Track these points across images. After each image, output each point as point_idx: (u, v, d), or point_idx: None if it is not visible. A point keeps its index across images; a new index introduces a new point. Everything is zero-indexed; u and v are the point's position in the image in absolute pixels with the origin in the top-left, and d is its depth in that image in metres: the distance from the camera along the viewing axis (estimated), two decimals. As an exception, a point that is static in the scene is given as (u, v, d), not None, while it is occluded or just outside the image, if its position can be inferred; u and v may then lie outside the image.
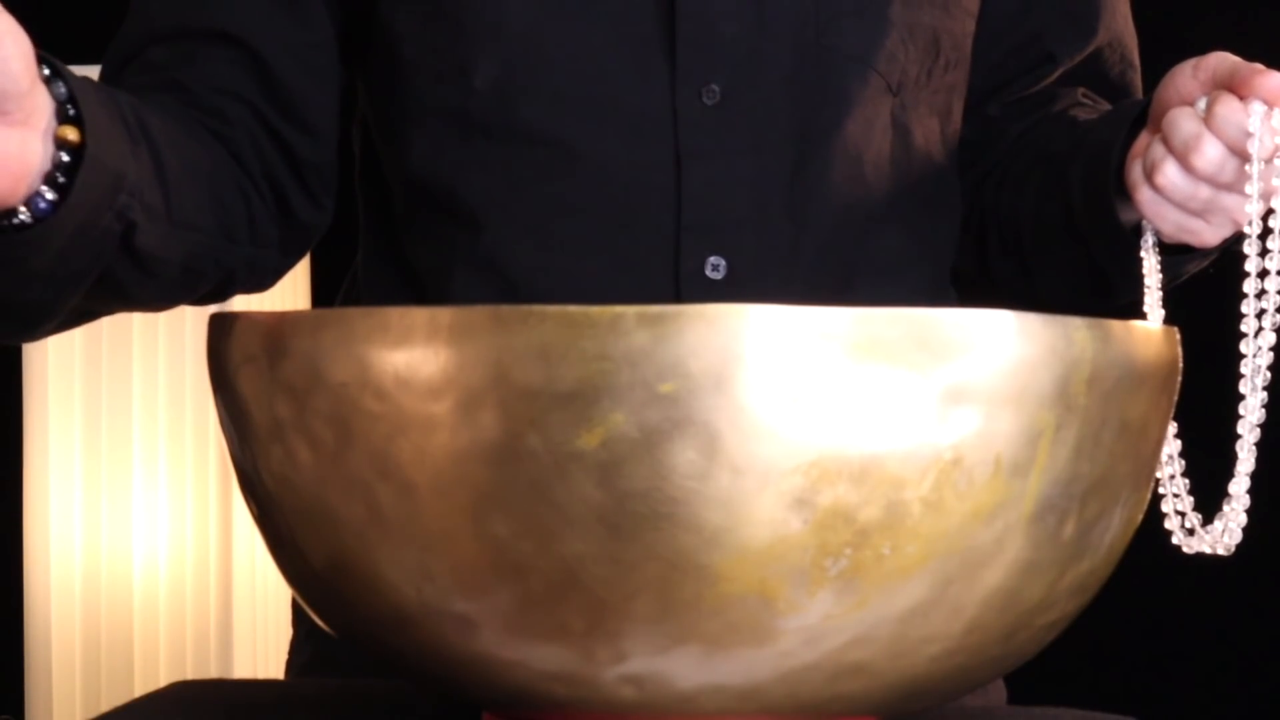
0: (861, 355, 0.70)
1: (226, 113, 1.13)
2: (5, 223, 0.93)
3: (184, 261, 1.07)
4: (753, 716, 0.76)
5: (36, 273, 0.96)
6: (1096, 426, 0.75)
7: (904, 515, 0.72)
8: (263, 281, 1.18)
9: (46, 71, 0.93)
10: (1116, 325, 0.76)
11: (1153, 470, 0.81)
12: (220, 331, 0.80)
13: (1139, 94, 1.26)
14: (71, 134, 0.94)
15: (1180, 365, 0.82)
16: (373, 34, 1.17)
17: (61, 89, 0.94)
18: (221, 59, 1.14)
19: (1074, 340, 0.74)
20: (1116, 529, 0.79)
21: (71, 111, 0.94)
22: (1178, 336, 0.81)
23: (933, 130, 1.20)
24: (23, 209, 0.93)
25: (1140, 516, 0.82)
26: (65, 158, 0.93)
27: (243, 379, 0.78)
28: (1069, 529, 0.76)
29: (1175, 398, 0.82)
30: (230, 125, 1.13)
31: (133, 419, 2.56)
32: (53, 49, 0.94)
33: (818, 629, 0.73)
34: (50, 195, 0.93)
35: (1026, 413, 0.73)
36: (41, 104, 0.91)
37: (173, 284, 1.08)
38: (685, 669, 0.73)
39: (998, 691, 1.22)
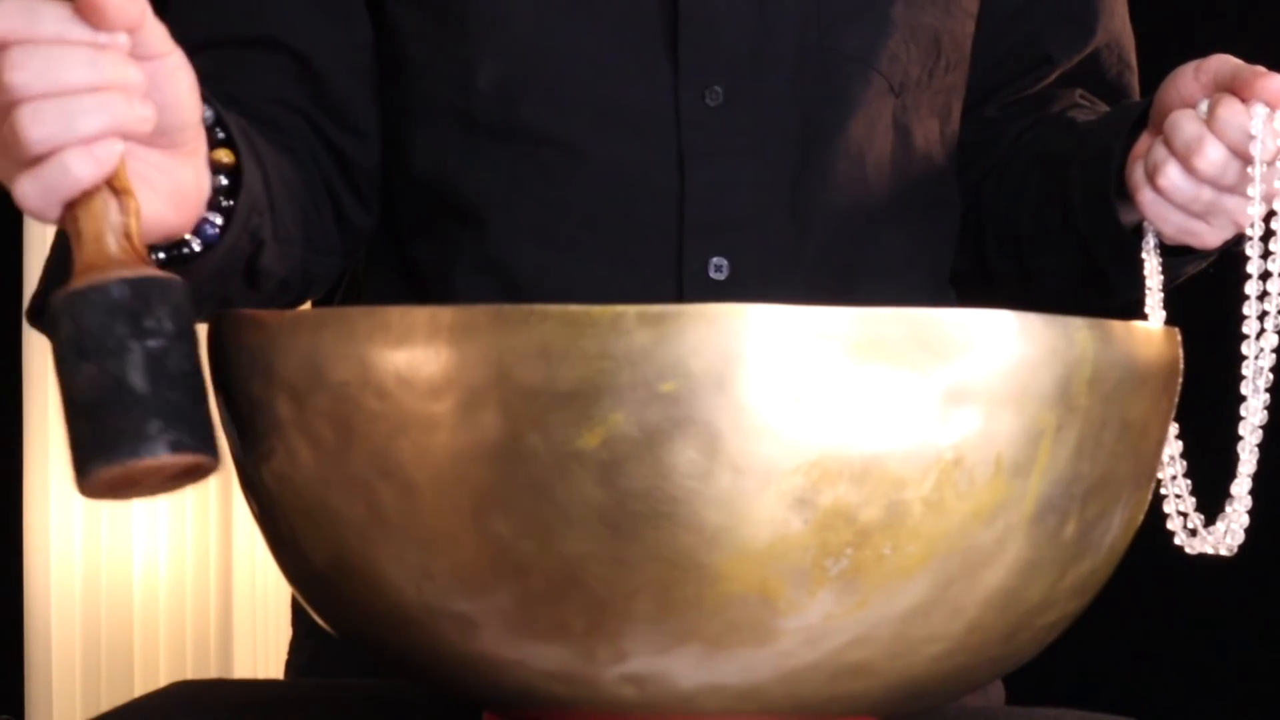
0: (862, 355, 0.70)
1: (282, 123, 1.12)
2: (175, 253, 0.92)
3: (285, 276, 1.07)
4: (753, 716, 0.76)
5: None
6: (1097, 427, 0.75)
7: (905, 515, 0.72)
8: (325, 287, 1.18)
9: None
10: (1118, 325, 0.76)
11: (1154, 470, 0.81)
12: (220, 331, 0.80)
13: (1136, 95, 1.26)
14: (226, 157, 0.93)
15: (1181, 366, 0.82)
16: (378, 33, 1.17)
17: (208, 113, 0.93)
18: (270, 66, 1.13)
19: (1075, 340, 0.74)
20: (1117, 529, 0.79)
21: (220, 135, 0.93)
22: (1179, 337, 0.81)
23: (933, 131, 1.20)
24: (193, 238, 0.92)
25: (1141, 517, 0.82)
26: (224, 181, 0.93)
27: (243, 379, 0.78)
28: (1070, 529, 0.76)
29: (1176, 398, 0.82)
30: (288, 135, 1.12)
31: (133, 419, 2.56)
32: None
33: (818, 629, 0.73)
34: (217, 221, 0.93)
35: (1027, 413, 0.73)
36: (202, 131, 0.89)
37: (267, 298, 1.07)
38: (685, 669, 0.73)
39: (996, 692, 1.22)
